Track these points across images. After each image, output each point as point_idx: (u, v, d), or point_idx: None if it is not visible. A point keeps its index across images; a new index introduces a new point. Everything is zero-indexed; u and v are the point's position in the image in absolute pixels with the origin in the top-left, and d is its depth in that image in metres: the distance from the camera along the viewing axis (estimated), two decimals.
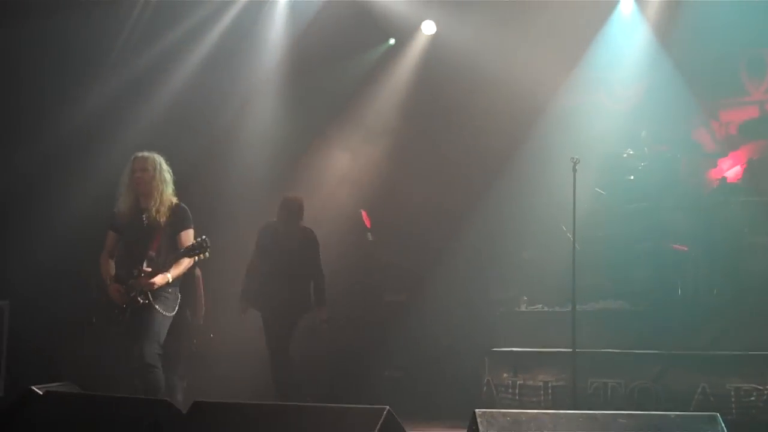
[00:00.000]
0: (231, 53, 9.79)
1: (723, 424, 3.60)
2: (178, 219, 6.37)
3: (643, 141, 8.83)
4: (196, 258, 6.25)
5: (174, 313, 6.36)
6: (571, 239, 7.02)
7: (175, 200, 6.42)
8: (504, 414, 3.56)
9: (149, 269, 6.17)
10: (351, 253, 9.67)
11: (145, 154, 6.43)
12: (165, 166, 6.44)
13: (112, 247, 6.51)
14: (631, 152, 8.73)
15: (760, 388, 6.69)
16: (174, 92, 9.62)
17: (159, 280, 6.20)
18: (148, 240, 6.30)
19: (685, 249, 8.18)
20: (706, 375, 6.93)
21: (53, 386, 5.05)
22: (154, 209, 6.30)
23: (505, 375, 8.02)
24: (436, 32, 10.17)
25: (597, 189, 8.51)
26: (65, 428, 4.23)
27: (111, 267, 6.46)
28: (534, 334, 8.26)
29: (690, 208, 8.27)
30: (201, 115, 9.64)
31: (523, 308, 8.71)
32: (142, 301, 6.15)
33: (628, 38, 9.38)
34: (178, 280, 6.48)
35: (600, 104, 9.14)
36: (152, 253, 6.25)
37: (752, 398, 6.70)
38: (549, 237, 8.45)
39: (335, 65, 10.34)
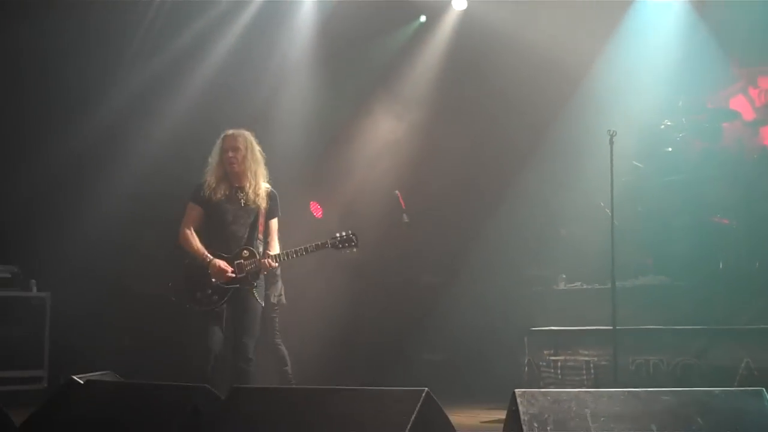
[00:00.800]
0: (262, 35, 9.75)
1: None
2: (273, 205, 6.20)
3: (680, 111, 8.66)
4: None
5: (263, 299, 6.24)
6: (609, 215, 6.92)
7: (269, 186, 6.23)
8: (544, 393, 3.50)
9: (270, 251, 6.03)
10: (388, 236, 9.64)
11: (236, 131, 6.18)
12: (256, 145, 6.20)
13: (196, 222, 6.16)
14: (669, 123, 8.56)
15: None
16: (205, 79, 9.62)
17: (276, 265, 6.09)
18: (253, 222, 6.10)
19: (726, 221, 8.03)
20: (749, 349, 6.82)
21: (94, 375, 5.07)
22: (251, 191, 6.09)
23: (545, 354, 7.96)
24: (467, 8, 10.05)
25: (635, 162, 8.37)
26: (106, 416, 4.25)
27: (201, 247, 6.07)
28: (574, 312, 8.19)
29: (730, 179, 8.08)
30: (234, 100, 9.60)
31: (561, 286, 8.63)
32: (254, 283, 5.97)
33: (663, 6, 9.19)
34: None
35: (636, 75, 8.96)
36: (261, 236, 6.09)
37: None
38: (587, 213, 8.35)
39: (367, 44, 10.27)
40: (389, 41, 10.44)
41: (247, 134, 6.19)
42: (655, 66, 9.05)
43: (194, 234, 6.12)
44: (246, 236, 6.07)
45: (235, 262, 6.00)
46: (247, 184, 6.08)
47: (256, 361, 6.01)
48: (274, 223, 6.22)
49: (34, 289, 8.75)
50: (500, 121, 9.69)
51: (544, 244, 9.10)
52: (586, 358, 7.65)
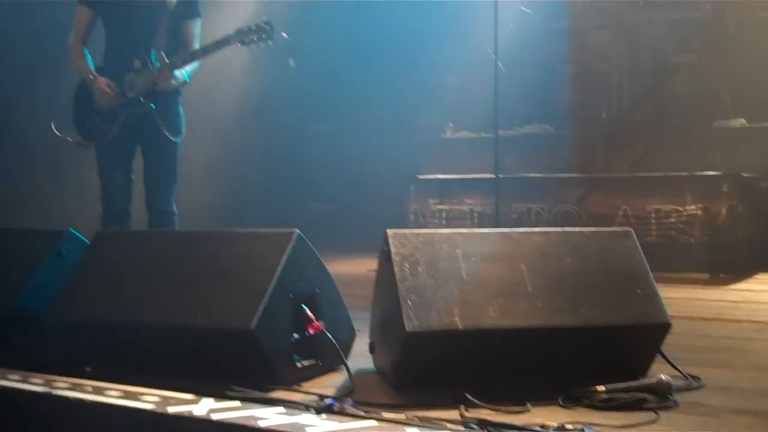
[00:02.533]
0: None
1: (636, 239, 3.56)
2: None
3: None
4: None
5: (181, 137, 4.93)
6: (496, 62, 6.87)
7: None
8: (416, 234, 3.45)
9: (167, 61, 4.68)
10: (275, 80, 9.40)
11: None
12: None
13: (85, 30, 4.93)
14: None
15: (680, 209, 6.78)
16: None
17: (179, 76, 4.72)
18: (151, 24, 4.80)
19: (610, 71, 8.11)
20: (627, 197, 7.00)
21: None
22: None
23: (431, 202, 8.02)
24: None
25: (522, 8, 8.28)
26: None
27: (85, 61, 4.92)
28: (460, 161, 8.25)
29: (615, 27, 8.13)
30: None
31: (448, 135, 8.65)
32: (145, 103, 4.74)
33: None
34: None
35: None
36: (161, 41, 4.76)
37: (671, 219, 6.80)
38: (474, 60, 8.26)
39: None
40: None
41: None
42: None
43: (80, 45, 4.94)
44: (147, 43, 4.81)
45: (126, 78, 4.80)
46: None
47: (178, 214, 4.95)
48: (193, 25, 4.89)
49: None
50: None
51: (432, 92, 9.03)
52: (471, 207, 7.74)
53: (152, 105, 4.80)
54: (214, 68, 9.17)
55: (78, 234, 3.95)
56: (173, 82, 4.77)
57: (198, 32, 4.93)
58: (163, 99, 4.87)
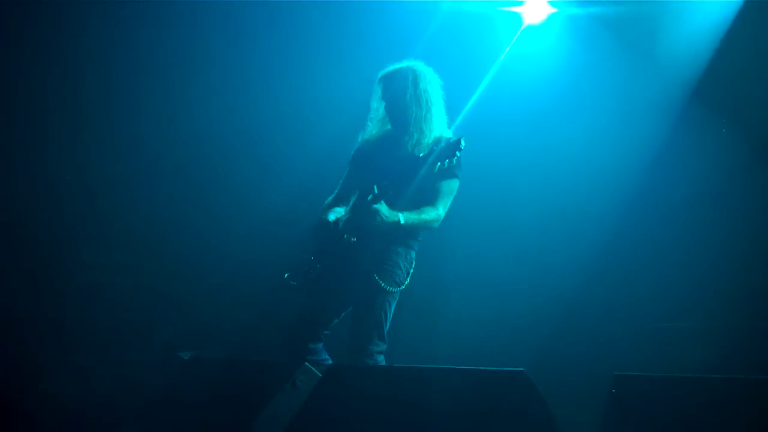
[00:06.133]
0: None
1: None
2: (440, 158, 4.28)
3: None
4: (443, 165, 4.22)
5: (402, 288, 4.43)
6: None
7: (446, 134, 4.57)
8: (645, 378, 3.41)
9: (375, 193, 4.26)
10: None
11: (393, 67, 4.62)
12: (426, 81, 4.57)
13: (342, 187, 4.68)
14: None
15: None
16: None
17: (386, 212, 4.21)
18: (390, 170, 4.43)
19: None
20: None
21: (201, 352, 5.17)
22: (410, 143, 4.49)
23: None
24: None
25: None
26: (206, 390, 4.33)
27: (328, 211, 4.59)
28: None
29: None
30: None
31: None
32: (347, 237, 4.31)
33: None
34: (415, 239, 4.52)
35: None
36: (386, 183, 4.28)
37: None
38: None
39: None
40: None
41: (412, 68, 4.61)
42: None
43: (329, 205, 4.64)
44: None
45: (345, 219, 4.47)
46: (412, 135, 4.51)
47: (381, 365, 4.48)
48: (445, 186, 4.41)
49: None
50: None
51: None
52: None
53: (352, 238, 4.33)
54: None
55: (312, 367, 4.14)
56: (377, 217, 4.22)
57: (445, 190, 4.44)
58: (377, 242, 4.41)
